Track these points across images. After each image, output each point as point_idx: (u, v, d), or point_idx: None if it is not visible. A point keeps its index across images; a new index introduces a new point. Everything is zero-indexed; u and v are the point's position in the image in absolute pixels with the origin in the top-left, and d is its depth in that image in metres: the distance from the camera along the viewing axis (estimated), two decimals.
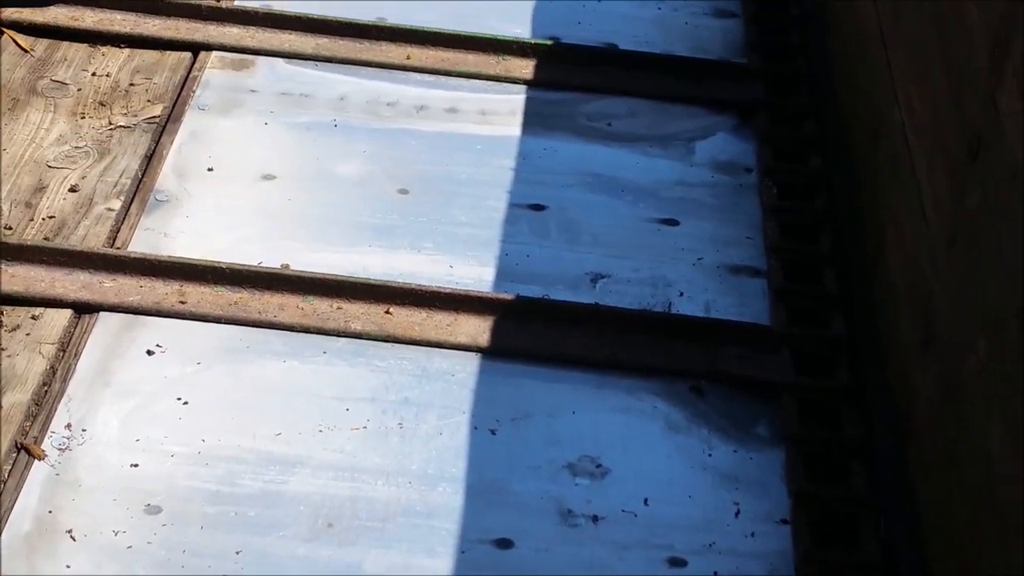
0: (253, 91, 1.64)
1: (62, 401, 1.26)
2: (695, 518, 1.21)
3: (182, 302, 1.36)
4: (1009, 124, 1.03)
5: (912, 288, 1.26)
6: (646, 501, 1.22)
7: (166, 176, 1.52)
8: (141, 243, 1.43)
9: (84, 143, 1.54)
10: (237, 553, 1.15)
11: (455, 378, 1.32)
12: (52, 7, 1.66)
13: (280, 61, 1.68)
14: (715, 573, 1.16)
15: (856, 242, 1.47)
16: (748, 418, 1.30)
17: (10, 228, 1.43)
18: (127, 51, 1.66)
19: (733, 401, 1.32)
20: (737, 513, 1.22)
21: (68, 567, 1.12)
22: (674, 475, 1.25)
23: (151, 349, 1.32)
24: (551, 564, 1.16)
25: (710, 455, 1.26)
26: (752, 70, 1.71)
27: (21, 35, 1.65)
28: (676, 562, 1.17)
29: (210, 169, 1.53)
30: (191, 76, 1.64)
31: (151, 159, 1.53)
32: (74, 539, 1.14)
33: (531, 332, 1.36)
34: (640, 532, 1.19)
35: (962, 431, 1.09)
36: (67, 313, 1.33)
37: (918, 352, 1.22)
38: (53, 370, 1.28)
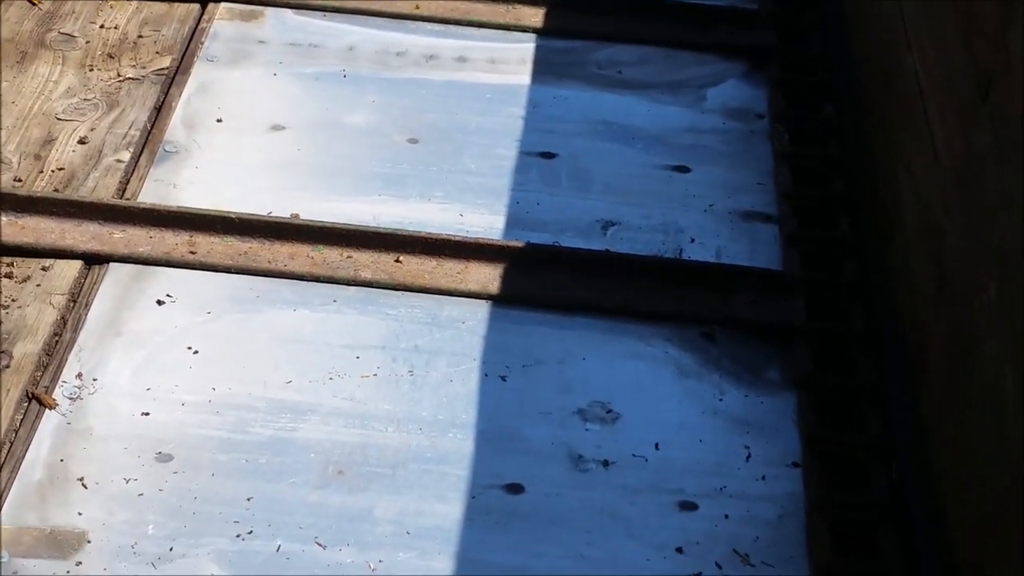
0: (262, 42, 1.63)
1: (73, 351, 1.26)
2: (706, 462, 1.21)
3: (192, 252, 1.35)
4: (1018, 64, 1.02)
5: (924, 231, 1.25)
6: (657, 446, 1.22)
7: (175, 127, 1.51)
8: (151, 194, 1.43)
9: (93, 95, 1.54)
10: (248, 500, 1.15)
11: (465, 325, 1.31)
12: None
13: (289, 12, 1.68)
14: (726, 516, 1.16)
15: (869, 187, 1.46)
16: (760, 363, 1.30)
17: (20, 180, 1.42)
18: (135, 3, 1.66)
19: (745, 347, 1.31)
20: (748, 457, 1.21)
21: (80, 514, 1.12)
22: (685, 420, 1.24)
23: (161, 299, 1.32)
24: (562, 508, 1.16)
25: (721, 400, 1.26)
26: (763, 16, 1.69)
27: None
28: (687, 506, 1.17)
29: (219, 120, 1.53)
30: (199, 28, 1.64)
31: (160, 111, 1.53)
32: (85, 487, 1.15)
33: (542, 279, 1.35)
34: (651, 476, 1.19)
35: (974, 373, 1.08)
36: (77, 264, 1.33)
37: (930, 295, 1.22)
38: (64, 320, 1.28)
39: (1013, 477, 0.98)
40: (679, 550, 1.13)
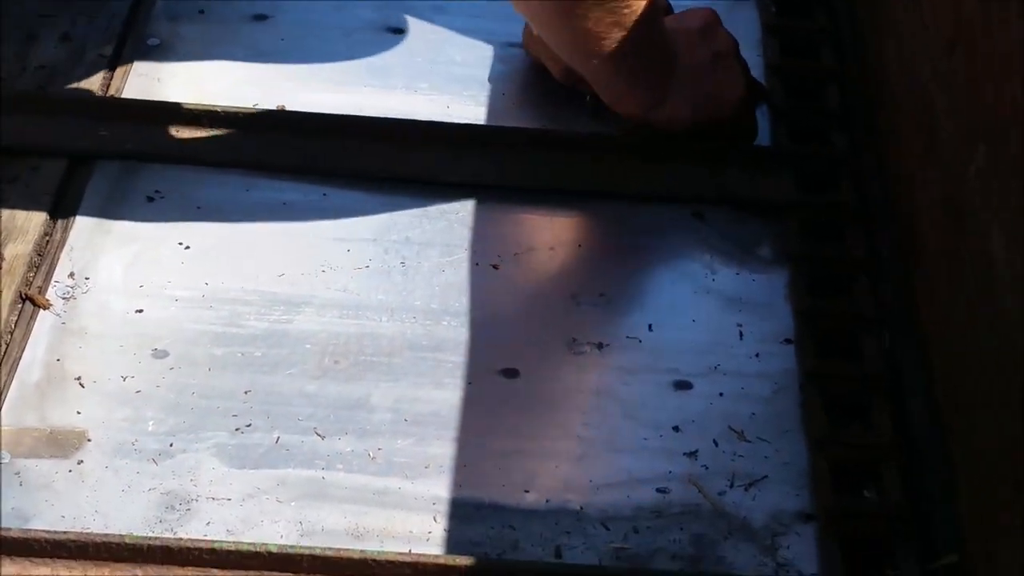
0: None
1: (64, 250, 1.26)
2: (699, 342, 1.21)
3: (180, 147, 1.35)
4: None
5: (913, 99, 1.25)
6: (650, 327, 1.22)
7: (157, 20, 1.50)
8: (135, 89, 1.42)
9: None
10: (246, 393, 1.15)
11: (456, 216, 1.31)
12: None
13: None
14: (720, 394, 1.17)
15: (857, 57, 1.45)
16: (750, 240, 1.30)
17: (2, 80, 1.41)
18: None
19: (735, 223, 1.31)
20: (741, 335, 1.22)
21: (79, 413, 1.13)
22: (677, 300, 1.25)
23: (150, 195, 1.31)
24: (558, 391, 1.17)
25: (713, 279, 1.26)
26: None
27: None
28: (682, 385, 1.18)
29: (201, 12, 1.52)
30: None
31: (140, 3, 1.51)
32: (83, 386, 1.15)
33: (531, 164, 1.35)
34: (645, 357, 1.20)
35: (963, 240, 1.08)
36: (64, 162, 1.33)
37: (920, 163, 1.21)
38: (54, 220, 1.28)
39: (1003, 341, 0.99)
40: (676, 428, 1.14)
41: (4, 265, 1.22)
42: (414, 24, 1.52)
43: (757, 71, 1.44)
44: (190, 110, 1.38)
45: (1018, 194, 0.98)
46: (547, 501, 1.09)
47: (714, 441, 1.13)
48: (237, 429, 1.13)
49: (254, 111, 1.39)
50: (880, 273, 1.26)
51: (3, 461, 1.09)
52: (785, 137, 1.38)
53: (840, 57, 1.46)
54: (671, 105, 1.31)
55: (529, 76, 1.46)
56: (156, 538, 1.02)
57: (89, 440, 1.11)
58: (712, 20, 1.38)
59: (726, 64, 1.35)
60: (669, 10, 1.41)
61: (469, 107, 1.42)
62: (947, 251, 1.13)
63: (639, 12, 1.23)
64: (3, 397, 1.13)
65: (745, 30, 1.49)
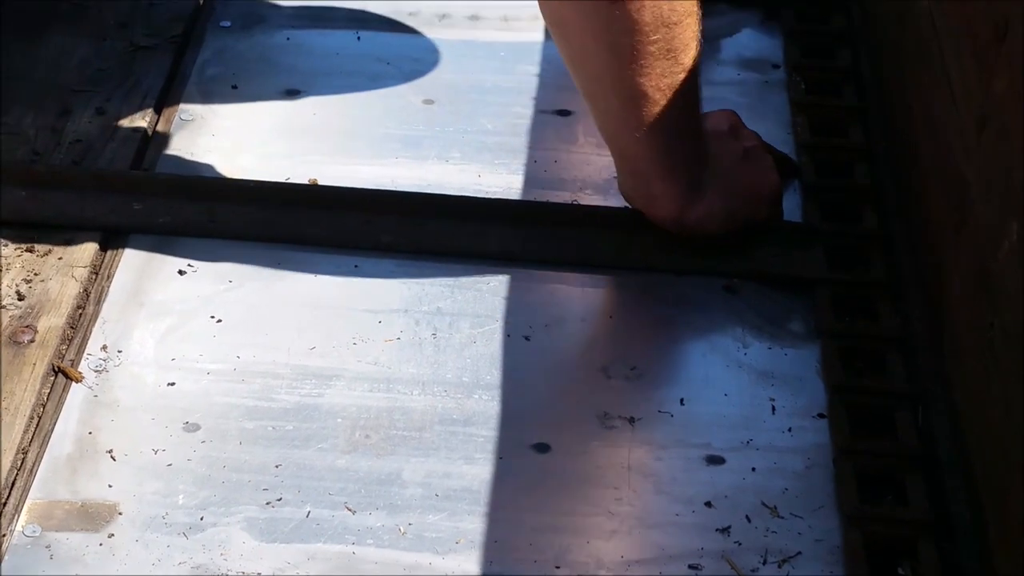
0: (274, 6, 1.63)
1: (97, 323, 1.26)
2: (731, 416, 1.21)
3: (211, 221, 1.36)
4: None
5: (944, 176, 1.25)
6: (682, 401, 1.22)
7: (190, 95, 1.51)
8: (168, 164, 1.43)
9: (107, 65, 1.54)
10: (276, 467, 1.15)
11: (487, 286, 1.32)
12: None
13: None
14: (753, 469, 1.16)
15: (887, 134, 1.46)
16: (782, 315, 1.30)
17: (38, 154, 1.43)
18: None
19: (767, 298, 1.31)
20: (773, 409, 1.21)
21: (110, 486, 1.13)
22: (709, 374, 1.24)
23: (183, 269, 1.32)
24: (589, 465, 1.17)
25: (745, 353, 1.26)
26: None
27: None
28: (714, 460, 1.17)
29: (234, 87, 1.53)
30: None
31: (174, 79, 1.53)
32: (114, 459, 1.15)
33: (562, 237, 1.35)
34: (677, 432, 1.19)
35: (996, 316, 1.08)
36: (98, 236, 1.33)
37: (952, 238, 1.21)
38: (87, 293, 1.29)
39: None
40: (708, 504, 1.14)
41: (37, 338, 1.23)
42: (445, 94, 1.53)
43: (788, 150, 1.44)
44: (223, 184, 1.39)
45: None
46: None
47: (747, 517, 1.13)
48: (268, 503, 1.12)
49: (286, 185, 1.39)
50: (912, 349, 1.25)
51: (34, 535, 1.09)
52: (816, 213, 1.38)
53: (870, 133, 1.47)
54: (707, 203, 1.29)
55: (559, 142, 1.46)
56: None
57: (120, 513, 1.11)
58: (736, 120, 1.38)
59: (758, 156, 1.35)
60: None
61: (501, 176, 1.43)
62: (979, 327, 1.12)
63: (691, 77, 1.22)
64: (35, 470, 1.14)
65: (776, 110, 1.50)
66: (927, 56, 1.31)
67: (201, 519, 1.11)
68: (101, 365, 1.22)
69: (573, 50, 1.22)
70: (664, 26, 1.16)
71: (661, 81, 1.20)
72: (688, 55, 1.20)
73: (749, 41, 1.61)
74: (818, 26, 1.61)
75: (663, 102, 1.21)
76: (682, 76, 1.21)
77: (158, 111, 1.49)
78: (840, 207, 1.39)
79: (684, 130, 1.25)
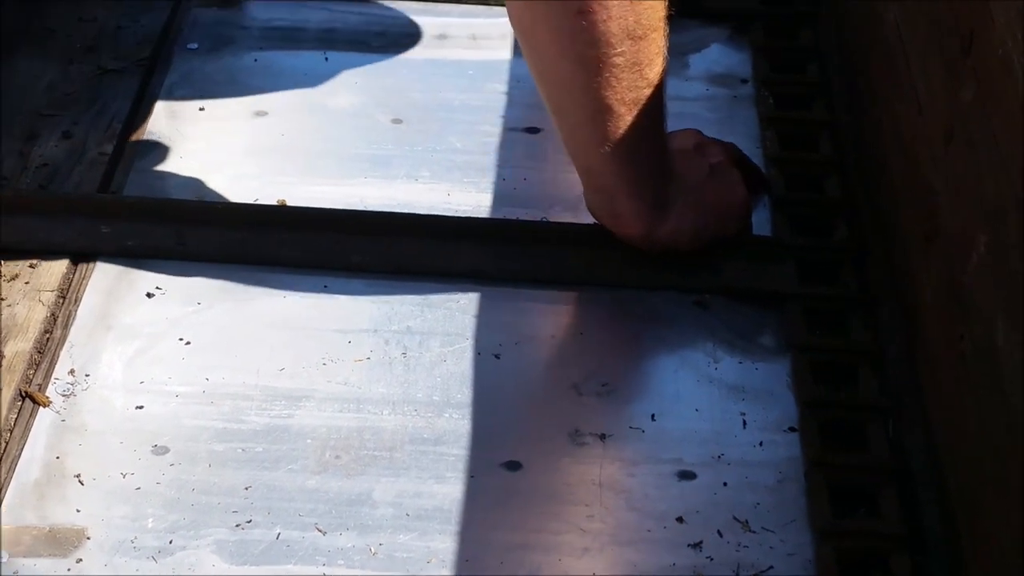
0: (241, 28, 1.63)
1: (64, 347, 1.25)
2: (703, 431, 1.20)
3: (180, 243, 1.35)
4: (999, 14, 1.02)
5: (913, 188, 1.25)
6: (653, 417, 1.21)
7: (158, 118, 1.51)
8: (136, 186, 1.43)
9: (74, 88, 1.53)
10: (246, 489, 1.14)
11: (457, 305, 1.31)
12: None
13: None
14: (724, 484, 1.16)
15: (856, 147, 1.46)
16: (753, 329, 1.29)
17: (5, 178, 1.42)
18: None
19: (737, 313, 1.31)
20: (744, 424, 1.21)
21: (78, 511, 1.12)
22: (680, 390, 1.24)
23: (151, 292, 1.31)
24: (560, 483, 1.16)
25: (716, 368, 1.26)
26: None
27: None
28: (685, 475, 1.17)
29: (201, 109, 1.52)
30: (178, 16, 1.63)
31: (142, 102, 1.52)
32: (83, 483, 1.14)
33: (532, 255, 1.35)
34: (648, 447, 1.19)
35: (967, 328, 1.08)
36: (65, 260, 1.33)
37: (922, 250, 1.21)
38: (54, 317, 1.28)
39: (1009, 429, 0.98)
40: (680, 519, 1.13)
41: (4, 363, 1.22)
42: (413, 113, 1.52)
43: (758, 164, 1.44)
44: (191, 207, 1.38)
45: (1020, 280, 0.97)
46: None
47: (719, 532, 1.12)
48: (237, 525, 1.12)
49: (255, 206, 1.39)
50: (884, 362, 1.25)
51: (2, 560, 1.08)
52: (786, 227, 1.38)
53: (839, 146, 1.47)
54: (674, 220, 1.29)
55: (528, 160, 1.46)
56: None
57: (88, 538, 1.10)
58: (701, 138, 1.38)
59: (724, 172, 1.35)
60: None
61: (470, 194, 1.43)
62: (951, 339, 1.12)
63: (656, 93, 1.22)
64: (2, 495, 1.13)
65: (745, 125, 1.50)
66: (895, 68, 1.31)
67: (170, 543, 1.10)
68: (69, 389, 1.22)
69: (540, 60, 1.22)
70: (630, 39, 1.16)
71: (626, 95, 1.20)
72: (654, 70, 1.20)
73: (718, 56, 1.61)
74: (786, 40, 1.61)
75: (628, 116, 1.21)
76: (648, 91, 1.21)
77: (125, 134, 1.48)
78: (810, 220, 1.39)
79: (649, 145, 1.25)
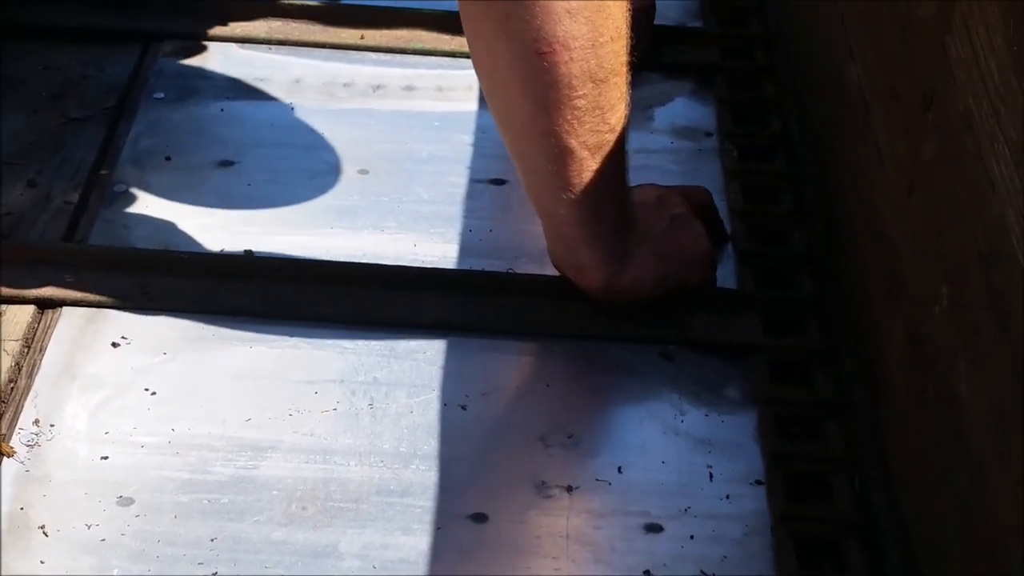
0: (207, 77, 1.63)
1: (29, 397, 1.25)
2: (669, 483, 1.21)
3: (145, 293, 1.35)
4: (960, 71, 1.03)
5: (875, 241, 1.26)
6: (620, 469, 1.22)
7: (123, 167, 1.51)
8: (101, 236, 1.42)
9: (39, 137, 1.53)
10: (212, 540, 1.14)
11: (424, 356, 1.31)
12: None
13: (233, 46, 1.67)
14: (691, 537, 1.16)
15: (819, 199, 1.47)
16: (718, 381, 1.30)
17: None
18: (77, 44, 1.65)
19: (703, 365, 1.31)
20: (711, 476, 1.21)
21: (42, 563, 1.11)
22: (646, 442, 1.24)
23: (116, 341, 1.31)
24: (527, 535, 1.16)
25: (682, 420, 1.26)
26: (708, 34, 1.70)
27: None
28: (652, 528, 1.17)
29: (168, 158, 1.52)
30: (144, 65, 1.63)
31: (107, 151, 1.52)
32: (47, 535, 1.14)
33: (497, 306, 1.35)
34: (615, 500, 1.19)
35: (931, 381, 1.09)
36: (30, 309, 1.32)
37: (884, 304, 1.22)
38: (19, 367, 1.27)
39: (973, 480, 0.99)
40: (647, 573, 1.13)
41: None
42: (380, 164, 1.53)
43: (721, 216, 1.45)
44: (156, 257, 1.38)
45: (982, 334, 0.98)
46: None
47: None
48: None
49: (221, 256, 1.39)
50: (849, 414, 1.26)
51: None
52: (750, 280, 1.38)
53: (802, 199, 1.48)
54: (635, 269, 1.30)
55: (494, 211, 1.47)
56: None
57: None
58: (663, 191, 1.39)
59: (687, 224, 1.36)
60: None
61: (436, 245, 1.43)
62: (914, 391, 1.13)
63: (617, 139, 1.22)
64: None
65: (710, 177, 1.52)
66: (856, 122, 1.33)
67: None
68: (33, 439, 1.21)
69: (501, 103, 1.22)
70: (592, 82, 1.17)
71: (588, 138, 1.20)
72: (615, 114, 1.21)
73: (682, 110, 1.62)
74: (749, 93, 1.62)
75: (590, 161, 1.21)
76: (609, 136, 1.21)
77: (91, 183, 1.48)
78: (774, 273, 1.40)
79: (611, 191, 1.25)
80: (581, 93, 1.17)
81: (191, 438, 1.22)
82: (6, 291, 1.33)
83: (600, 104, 1.19)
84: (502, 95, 1.21)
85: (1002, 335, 0.94)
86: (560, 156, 1.21)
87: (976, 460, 0.99)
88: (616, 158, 1.23)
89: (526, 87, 1.18)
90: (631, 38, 1.19)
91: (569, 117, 1.18)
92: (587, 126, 1.19)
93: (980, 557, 0.97)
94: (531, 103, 1.19)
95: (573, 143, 1.20)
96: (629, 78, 1.21)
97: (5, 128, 1.54)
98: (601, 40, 1.15)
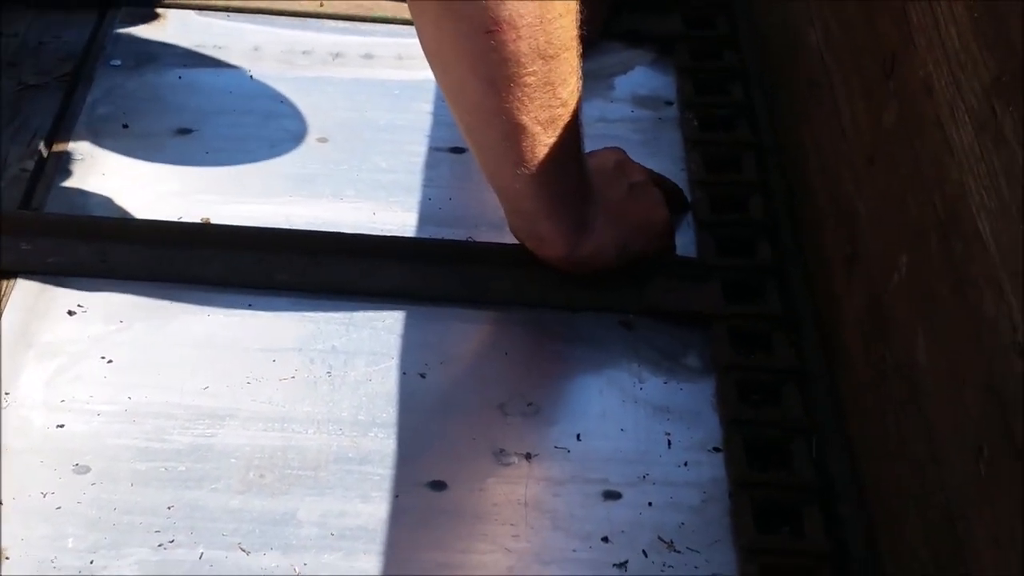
0: (165, 45, 1.62)
1: None
2: (628, 451, 1.21)
3: (102, 261, 1.34)
4: (920, 38, 1.03)
5: (836, 209, 1.26)
6: (578, 437, 1.22)
7: (80, 134, 1.49)
8: (58, 203, 1.41)
9: None
10: (169, 508, 1.13)
11: (383, 324, 1.31)
12: None
13: (191, 13, 1.66)
14: (649, 504, 1.16)
15: (780, 168, 1.47)
16: (678, 349, 1.30)
17: None
18: (33, 10, 1.63)
19: (662, 333, 1.31)
20: (669, 444, 1.21)
21: None
22: (606, 409, 1.24)
23: (72, 309, 1.30)
24: (486, 502, 1.16)
25: (641, 388, 1.26)
26: (669, 2, 1.69)
27: None
28: (611, 495, 1.17)
29: (125, 126, 1.51)
30: (101, 32, 1.62)
31: (64, 118, 1.51)
32: (1, 503, 1.13)
33: (457, 275, 1.35)
34: (574, 467, 1.19)
35: (889, 348, 1.09)
36: None
37: (844, 271, 1.22)
38: None
39: (928, 448, 0.99)
40: (605, 539, 1.13)
41: None
42: (339, 132, 1.52)
43: (682, 186, 1.45)
44: (113, 224, 1.37)
45: (940, 301, 0.98)
46: None
47: (643, 552, 1.13)
48: (160, 545, 1.11)
49: (178, 224, 1.38)
50: (808, 381, 1.26)
51: None
52: (711, 249, 1.38)
53: (762, 167, 1.48)
54: (595, 238, 1.29)
55: (454, 180, 1.46)
56: None
57: (7, 558, 1.09)
58: (623, 156, 1.38)
59: (645, 191, 1.35)
60: None
61: (395, 214, 1.42)
62: (873, 359, 1.13)
63: (571, 113, 1.22)
64: None
65: (670, 147, 1.51)
66: (818, 91, 1.33)
67: (91, 563, 1.09)
68: None
69: (450, 82, 1.21)
70: (541, 58, 1.16)
71: (540, 114, 1.19)
72: (567, 88, 1.20)
73: (643, 79, 1.62)
74: (710, 62, 1.62)
75: (543, 136, 1.21)
76: (561, 110, 1.20)
77: (47, 150, 1.47)
78: (735, 241, 1.40)
79: (566, 165, 1.25)
80: (531, 70, 1.16)
81: (148, 406, 1.21)
82: None
83: (551, 80, 1.18)
84: (451, 75, 1.21)
85: (961, 303, 0.95)
86: (512, 133, 1.20)
87: (933, 428, 0.99)
88: (570, 131, 1.23)
89: (474, 66, 1.17)
90: (582, 11, 1.19)
91: (519, 94, 1.18)
92: (538, 102, 1.19)
93: (936, 524, 0.98)
94: (480, 82, 1.18)
95: (525, 119, 1.19)
96: (580, 51, 1.20)
97: None
98: (549, 16, 1.14)
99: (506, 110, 1.18)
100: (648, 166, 1.41)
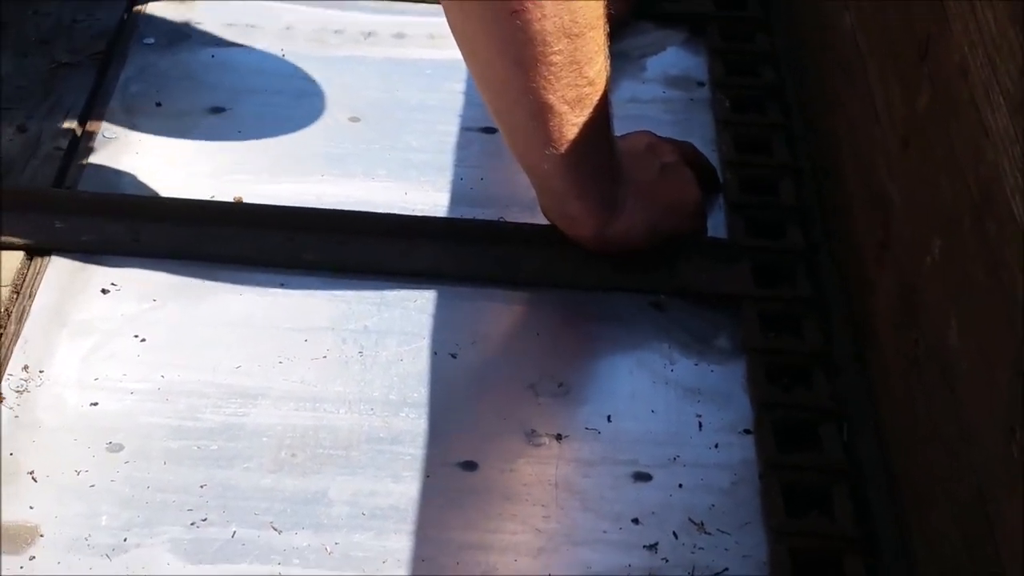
0: (198, 24, 1.62)
1: (18, 343, 1.24)
2: (658, 432, 1.21)
3: (135, 239, 1.34)
4: (956, 22, 1.02)
5: (868, 193, 1.26)
6: (609, 418, 1.22)
7: (113, 113, 1.50)
8: (91, 182, 1.42)
9: (29, 82, 1.52)
10: (201, 487, 1.14)
11: (414, 304, 1.31)
12: None
13: None
14: (680, 486, 1.16)
15: (812, 151, 1.47)
16: (709, 331, 1.30)
17: None
18: None
19: (693, 315, 1.31)
20: (700, 425, 1.22)
21: (31, 508, 1.11)
22: (636, 391, 1.24)
23: (106, 288, 1.30)
24: (516, 483, 1.16)
25: (672, 369, 1.26)
26: None
27: None
28: (641, 476, 1.17)
29: (158, 104, 1.52)
30: (134, 10, 1.62)
31: (97, 96, 1.51)
32: (36, 480, 1.14)
33: (488, 255, 1.35)
34: (604, 448, 1.19)
35: (921, 332, 1.09)
36: (19, 255, 1.32)
37: (876, 256, 1.22)
38: (8, 313, 1.27)
39: (959, 431, 0.99)
40: (635, 521, 1.14)
41: None
42: (371, 111, 1.52)
43: (713, 166, 1.45)
44: (146, 203, 1.37)
45: (973, 284, 0.98)
46: None
47: (674, 533, 1.13)
48: (192, 523, 1.11)
49: (211, 203, 1.38)
50: (838, 364, 1.26)
51: None
52: (741, 230, 1.38)
53: (794, 150, 1.48)
54: (626, 218, 1.29)
55: (485, 159, 1.46)
56: None
57: (42, 536, 1.10)
58: (653, 139, 1.38)
59: (677, 171, 1.36)
60: None
61: (427, 194, 1.43)
62: (905, 342, 1.13)
63: (598, 92, 1.22)
64: None
65: (701, 128, 1.51)
66: (851, 74, 1.32)
67: (124, 540, 1.10)
68: (22, 385, 1.21)
69: (477, 62, 1.22)
70: (567, 37, 1.16)
71: (567, 93, 1.19)
72: (593, 68, 1.20)
73: (674, 59, 1.61)
74: (742, 44, 1.62)
75: (570, 115, 1.21)
76: (588, 89, 1.20)
77: (81, 129, 1.47)
78: (765, 224, 1.40)
79: (595, 144, 1.25)
80: (556, 49, 1.16)
81: (181, 385, 1.22)
82: None
83: (577, 59, 1.18)
84: (477, 56, 1.21)
85: (995, 285, 0.94)
86: (540, 112, 1.20)
87: (965, 411, 0.99)
88: (598, 110, 1.22)
89: (501, 47, 1.17)
90: None
91: (546, 73, 1.18)
92: (564, 81, 1.19)
93: (967, 506, 0.98)
94: (507, 62, 1.18)
95: (552, 99, 1.19)
96: (607, 30, 1.20)
97: None
98: None
99: (533, 90, 1.19)
100: (685, 140, 1.41)
